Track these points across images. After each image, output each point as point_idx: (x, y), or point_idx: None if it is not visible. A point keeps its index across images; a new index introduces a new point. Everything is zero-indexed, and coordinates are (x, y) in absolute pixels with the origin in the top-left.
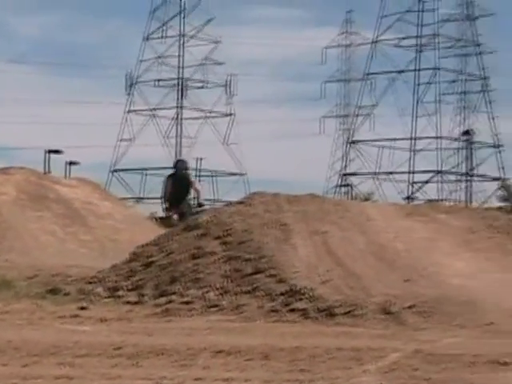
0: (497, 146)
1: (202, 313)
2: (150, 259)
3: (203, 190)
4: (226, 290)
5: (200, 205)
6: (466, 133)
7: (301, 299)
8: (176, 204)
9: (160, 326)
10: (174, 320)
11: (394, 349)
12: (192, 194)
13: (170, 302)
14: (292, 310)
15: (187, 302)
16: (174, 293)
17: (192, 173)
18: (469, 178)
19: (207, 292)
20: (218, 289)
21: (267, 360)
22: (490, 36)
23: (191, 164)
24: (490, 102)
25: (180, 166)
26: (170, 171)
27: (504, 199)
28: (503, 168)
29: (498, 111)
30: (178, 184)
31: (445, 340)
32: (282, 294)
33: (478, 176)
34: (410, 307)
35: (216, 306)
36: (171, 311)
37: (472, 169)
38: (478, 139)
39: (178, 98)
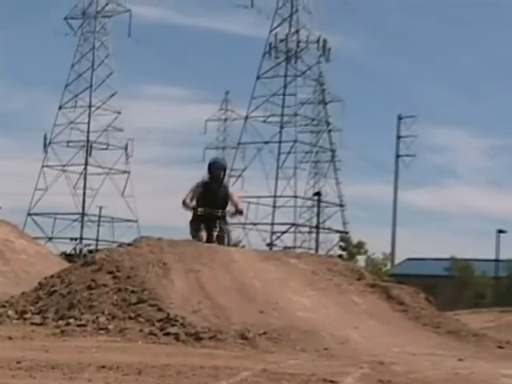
0: (341, 205)
1: (93, 334)
2: (53, 288)
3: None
4: (114, 316)
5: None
6: (317, 194)
7: (174, 325)
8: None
9: (56, 344)
10: (69, 340)
11: (246, 368)
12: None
13: (68, 324)
14: (167, 334)
15: (82, 325)
16: (71, 317)
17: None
18: (318, 230)
19: (98, 317)
20: (107, 315)
21: (140, 375)
22: (338, 117)
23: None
24: (337, 170)
25: (215, 171)
26: (77, 216)
27: (343, 249)
28: (345, 223)
29: (342, 178)
30: (211, 194)
31: (288, 361)
32: (159, 320)
33: (325, 229)
34: (262, 334)
35: (105, 328)
36: (68, 332)
37: (321, 223)
38: (327, 199)
39: (85, 157)
